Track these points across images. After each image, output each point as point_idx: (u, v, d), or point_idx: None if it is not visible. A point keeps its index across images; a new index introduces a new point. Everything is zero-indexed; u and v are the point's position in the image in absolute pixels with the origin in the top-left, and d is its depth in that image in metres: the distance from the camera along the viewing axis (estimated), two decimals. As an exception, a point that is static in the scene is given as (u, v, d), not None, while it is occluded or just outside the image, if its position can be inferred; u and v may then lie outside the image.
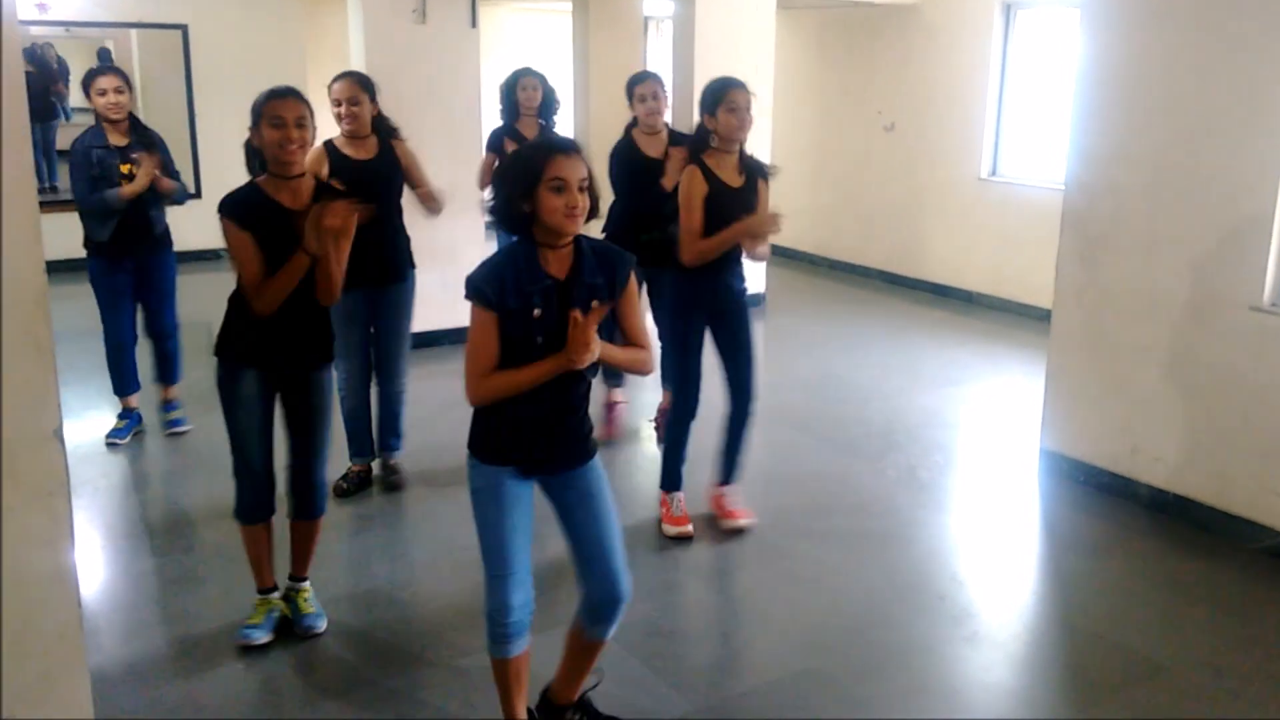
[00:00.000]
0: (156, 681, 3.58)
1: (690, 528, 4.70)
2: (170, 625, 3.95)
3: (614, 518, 3.04)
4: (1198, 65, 4.69)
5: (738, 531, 4.76)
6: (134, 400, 5.91)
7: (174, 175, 5.62)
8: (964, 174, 9.35)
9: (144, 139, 5.44)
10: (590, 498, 3.01)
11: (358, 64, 7.23)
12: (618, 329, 3.02)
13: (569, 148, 2.82)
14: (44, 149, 11.10)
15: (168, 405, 6.03)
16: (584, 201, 2.79)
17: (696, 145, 4.51)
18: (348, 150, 4.85)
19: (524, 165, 2.82)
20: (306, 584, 3.96)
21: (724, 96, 4.42)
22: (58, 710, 2.52)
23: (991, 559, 4.72)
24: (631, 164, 5.53)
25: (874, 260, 10.36)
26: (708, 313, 4.61)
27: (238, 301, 3.63)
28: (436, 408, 6.25)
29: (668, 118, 5.80)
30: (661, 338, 5.00)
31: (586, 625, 3.10)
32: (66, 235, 9.93)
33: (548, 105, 6.34)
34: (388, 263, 4.95)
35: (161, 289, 5.85)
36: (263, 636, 3.78)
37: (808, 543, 4.72)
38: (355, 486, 5.10)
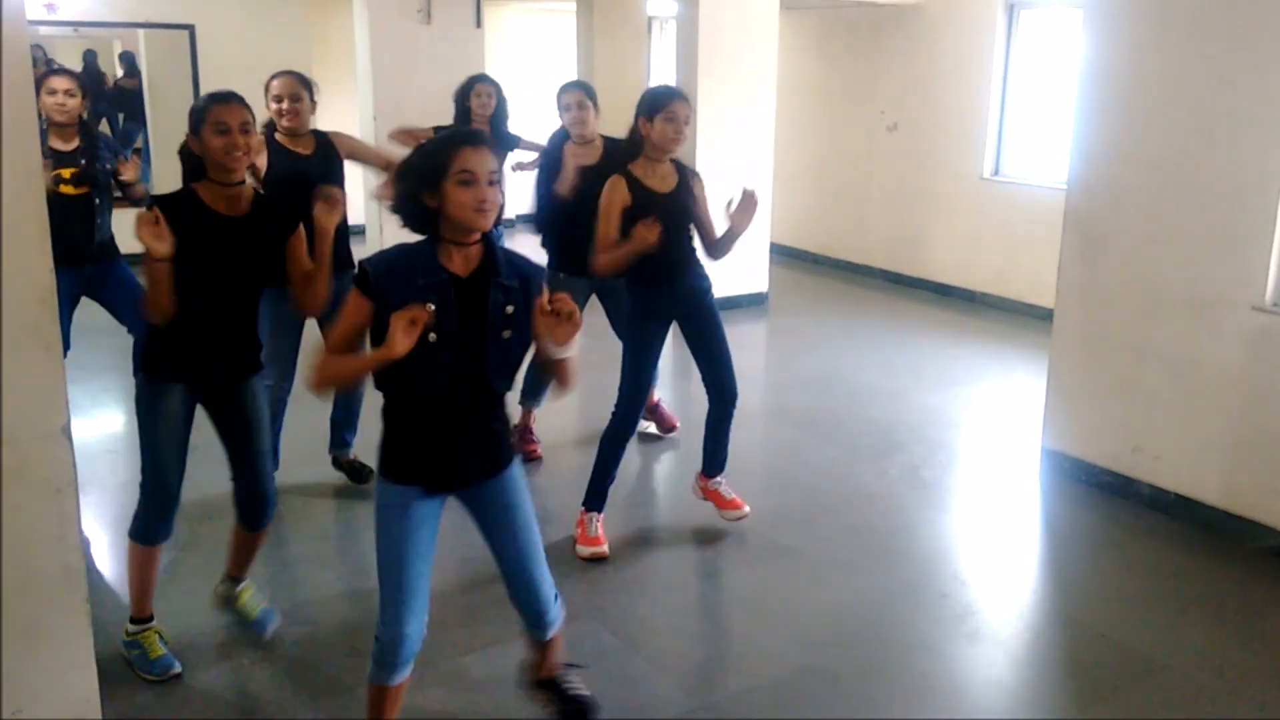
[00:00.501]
0: (163, 678, 3.60)
1: (605, 548, 4.51)
2: (178, 621, 3.94)
3: (533, 530, 2.97)
4: (1199, 65, 4.70)
5: (740, 520, 4.76)
6: None
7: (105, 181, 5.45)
8: (967, 173, 9.36)
9: (91, 146, 5.28)
10: (509, 512, 2.93)
11: (363, 64, 7.28)
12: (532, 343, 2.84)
13: (477, 139, 2.68)
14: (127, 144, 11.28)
15: None
16: (494, 196, 2.64)
17: (626, 153, 4.38)
18: (286, 143, 4.77)
19: (429, 158, 2.67)
20: (247, 582, 3.92)
21: (665, 105, 4.24)
22: (66, 706, 2.55)
23: (993, 557, 4.74)
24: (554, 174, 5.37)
25: (877, 260, 10.38)
26: (673, 319, 4.54)
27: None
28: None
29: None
30: (625, 349, 4.71)
31: (529, 631, 3.13)
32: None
33: (500, 113, 6.18)
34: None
35: (123, 294, 5.65)
36: (177, 665, 3.65)
37: (810, 541, 4.73)
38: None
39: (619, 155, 4.47)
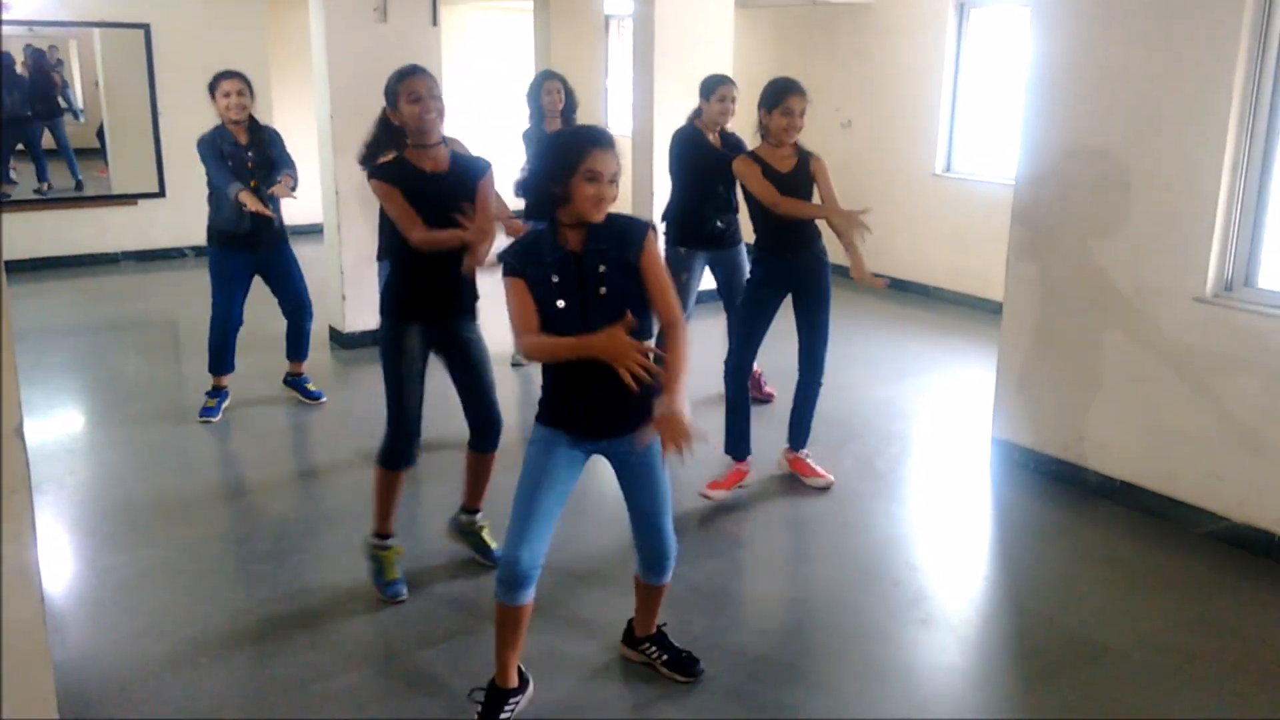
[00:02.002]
0: (121, 676, 3.61)
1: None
2: (135, 620, 3.97)
3: (667, 491, 3.33)
4: (1144, 63, 4.79)
5: (825, 489, 5.17)
6: (225, 380, 6.19)
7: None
8: (919, 170, 9.47)
9: (258, 142, 5.82)
10: (646, 470, 3.25)
11: (319, 61, 7.25)
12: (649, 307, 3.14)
13: (606, 141, 3.01)
14: (60, 147, 11.34)
15: (299, 378, 6.42)
16: (613, 193, 3.01)
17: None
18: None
19: (562, 152, 3.00)
20: (480, 515, 4.36)
21: (781, 100, 4.92)
22: (20, 705, 2.53)
23: (945, 545, 4.82)
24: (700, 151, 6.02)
25: (831, 255, 10.41)
26: (789, 290, 5.12)
27: (399, 264, 4.00)
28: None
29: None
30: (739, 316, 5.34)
31: (644, 575, 3.51)
32: (45, 235, 9.94)
33: (569, 106, 6.72)
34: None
35: (288, 274, 6.19)
36: (405, 590, 4.12)
37: (765, 531, 4.81)
38: None
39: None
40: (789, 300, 5.13)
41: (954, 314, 8.99)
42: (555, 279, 3.04)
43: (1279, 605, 4.23)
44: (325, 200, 7.53)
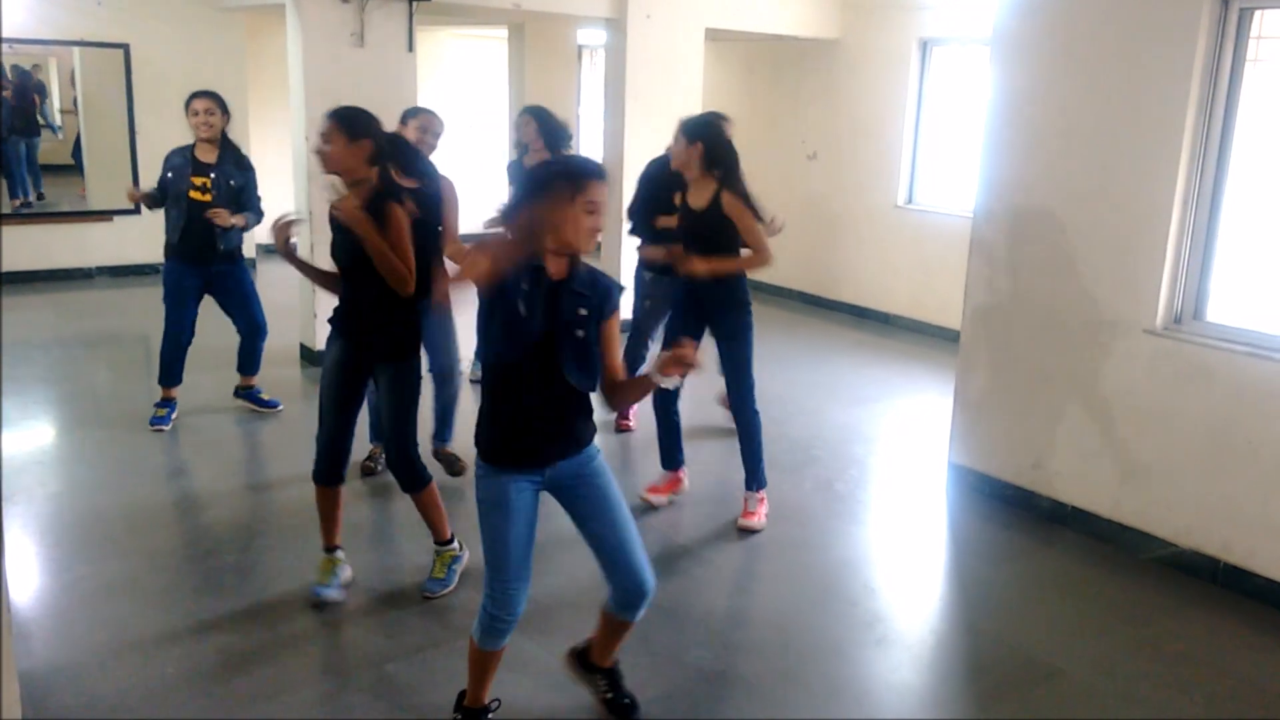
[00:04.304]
0: (88, 684, 3.62)
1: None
2: (101, 630, 3.99)
3: (627, 515, 3.20)
4: (1099, 102, 4.93)
5: (746, 532, 5.10)
6: (174, 391, 6.29)
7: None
8: (882, 201, 9.64)
9: (224, 163, 5.95)
10: (602, 500, 3.16)
11: (296, 85, 7.32)
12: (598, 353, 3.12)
13: (604, 173, 3.02)
14: (28, 163, 11.38)
15: (250, 390, 6.53)
16: (602, 224, 3.01)
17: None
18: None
19: (565, 182, 2.96)
20: (441, 548, 4.42)
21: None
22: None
23: (901, 567, 4.92)
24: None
25: (796, 283, 10.60)
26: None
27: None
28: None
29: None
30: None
31: (616, 611, 3.30)
32: (21, 249, 9.91)
33: (559, 139, 6.45)
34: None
35: (236, 297, 6.28)
36: (332, 593, 4.22)
37: (727, 551, 4.87)
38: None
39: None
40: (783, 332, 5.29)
41: (914, 342, 9.14)
42: (525, 286, 2.95)
43: (1224, 629, 4.36)
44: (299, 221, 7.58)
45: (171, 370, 6.23)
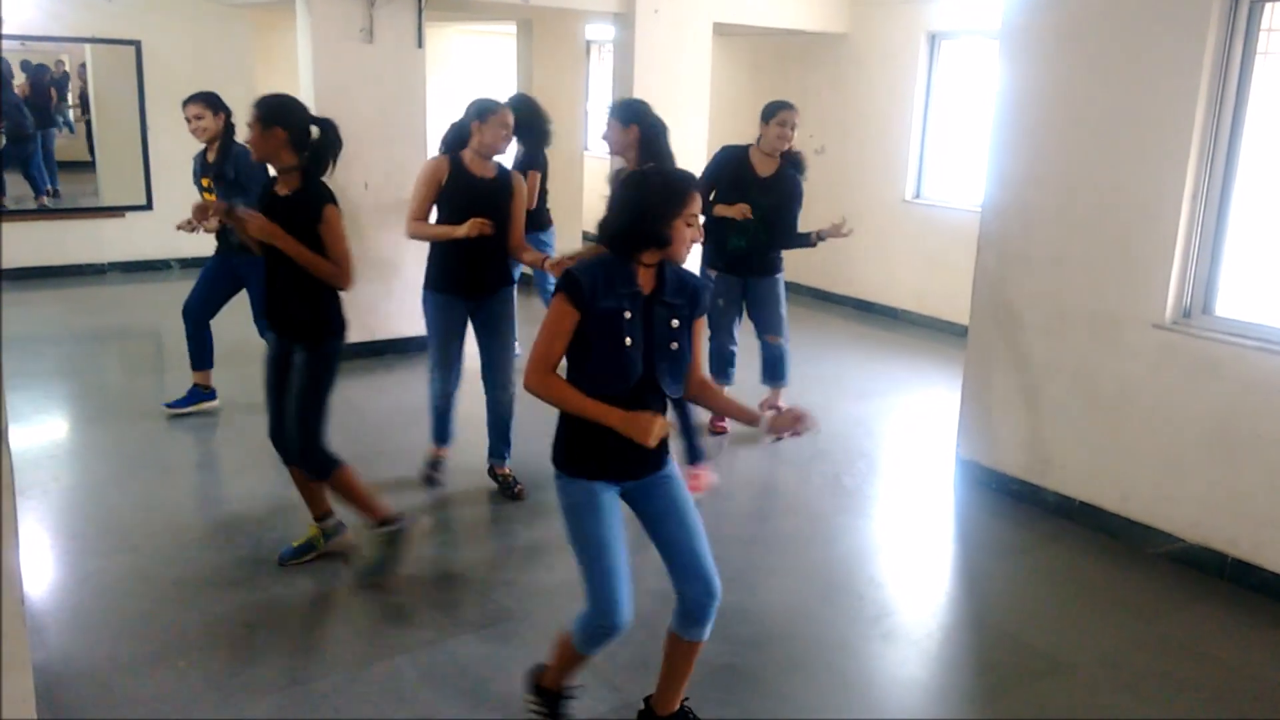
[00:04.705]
0: (101, 678, 3.65)
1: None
2: (114, 623, 4.02)
3: (698, 522, 3.15)
4: (1108, 96, 4.93)
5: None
6: (203, 378, 6.42)
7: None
8: (889, 196, 9.63)
9: (223, 160, 5.99)
10: (675, 505, 3.12)
11: (305, 81, 7.35)
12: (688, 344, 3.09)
13: (699, 184, 3.04)
14: (44, 157, 11.41)
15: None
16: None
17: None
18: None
19: (673, 195, 2.92)
20: (378, 528, 4.37)
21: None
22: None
23: (908, 561, 4.93)
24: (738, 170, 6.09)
25: (804, 277, 10.58)
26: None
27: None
28: (381, 415, 6.39)
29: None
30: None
31: (682, 629, 3.19)
32: (34, 245, 9.97)
33: (531, 129, 6.63)
34: None
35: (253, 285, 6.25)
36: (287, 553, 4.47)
37: (735, 544, 4.88)
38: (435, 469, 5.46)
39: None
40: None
41: (921, 336, 9.14)
42: (629, 315, 2.93)
43: (1231, 624, 4.36)
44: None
45: (198, 353, 6.33)
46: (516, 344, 5.57)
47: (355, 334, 7.54)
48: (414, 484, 5.38)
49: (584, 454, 3.03)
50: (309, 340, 4.23)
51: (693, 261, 3.56)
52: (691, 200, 2.92)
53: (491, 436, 5.36)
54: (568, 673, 3.30)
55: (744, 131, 11.32)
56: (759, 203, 5.88)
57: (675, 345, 3.00)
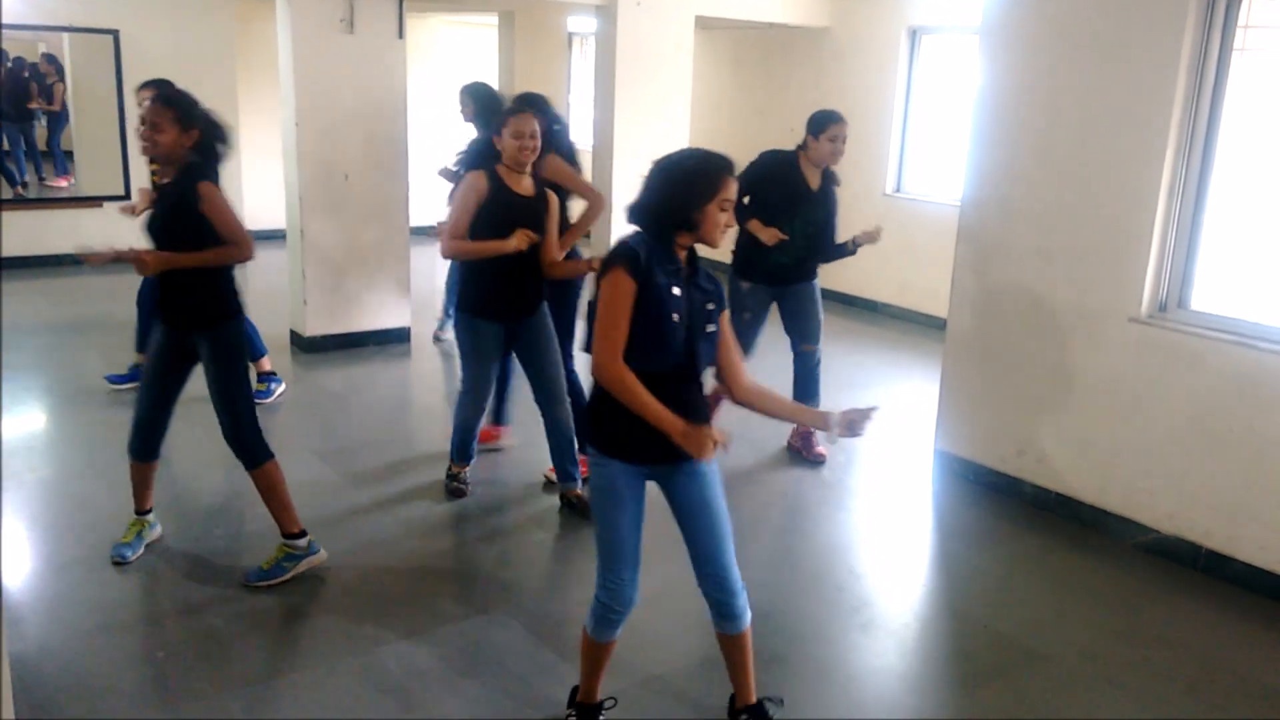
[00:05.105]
0: (78, 666, 3.65)
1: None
2: (92, 614, 4.01)
3: (722, 519, 3.14)
4: (1085, 91, 4.96)
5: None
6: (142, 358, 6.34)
7: None
8: (870, 190, 9.64)
9: None
10: (700, 503, 3.10)
11: (285, 72, 7.32)
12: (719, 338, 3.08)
13: (735, 169, 2.98)
14: (28, 148, 11.47)
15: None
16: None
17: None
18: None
19: (707, 179, 2.90)
20: (285, 540, 4.31)
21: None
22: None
23: (887, 552, 4.96)
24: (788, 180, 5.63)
25: (786, 272, 10.61)
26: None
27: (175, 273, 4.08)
28: (364, 406, 6.39)
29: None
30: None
31: (716, 624, 3.24)
32: (11, 235, 9.88)
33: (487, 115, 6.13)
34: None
35: None
36: (129, 553, 4.38)
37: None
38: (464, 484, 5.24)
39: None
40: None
41: (901, 329, 9.20)
42: (676, 291, 2.92)
43: (1205, 615, 4.41)
44: (289, 206, 7.59)
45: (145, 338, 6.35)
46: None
47: (336, 326, 7.62)
48: (390, 475, 5.38)
49: (616, 434, 3.02)
50: (209, 323, 4.14)
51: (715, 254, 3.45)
52: (726, 185, 2.90)
53: (556, 458, 5.10)
54: (594, 672, 3.30)
55: (725, 125, 11.38)
56: (811, 217, 5.61)
57: (711, 328, 3.01)
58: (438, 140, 11.34)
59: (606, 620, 3.15)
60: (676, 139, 8.99)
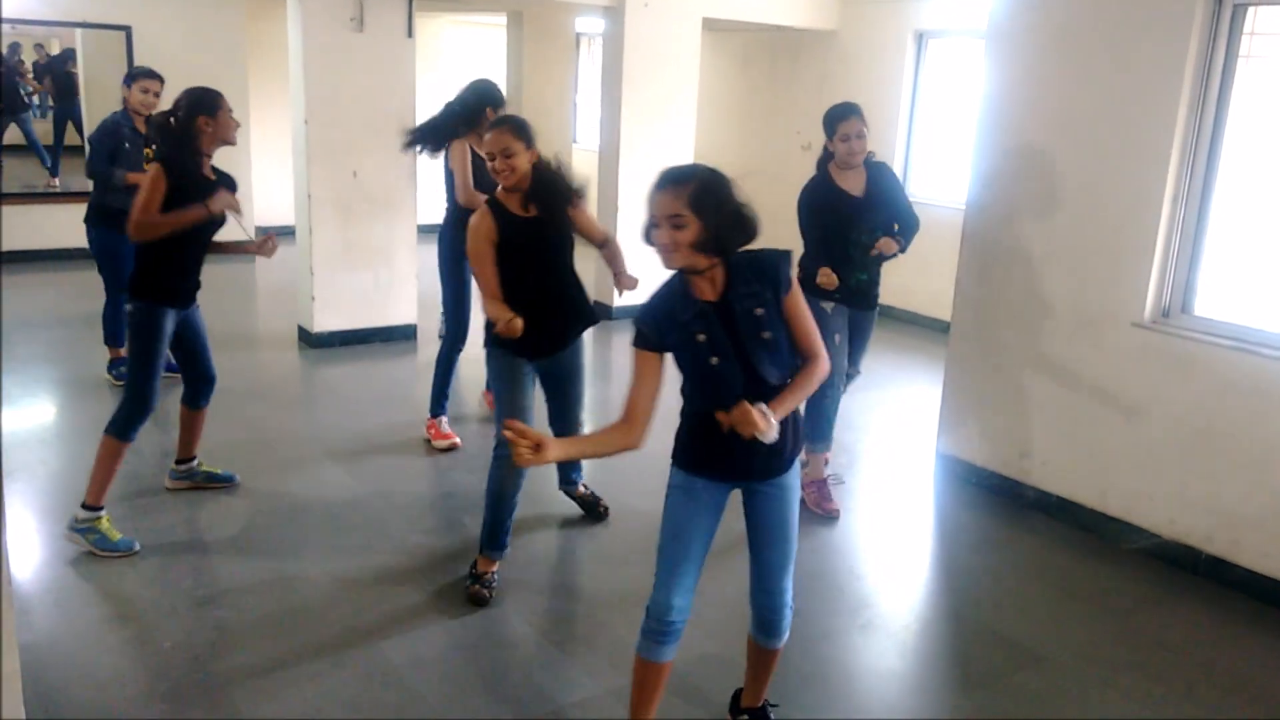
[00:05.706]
0: (86, 657, 3.68)
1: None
2: (100, 606, 4.05)
3: (792, 541, 3.10)
4: (1091, 95, 4.98)
5: None
6: (122, 351, 6.45)
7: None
8: (876, 192, 9.64)
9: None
10: (772, 520, 3.07)
11: (295, 70, 7.36)
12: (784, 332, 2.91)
13: (660, 184, 2.80)
14: (28, 141, 11.51)
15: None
16: (683, 237, 2.72)
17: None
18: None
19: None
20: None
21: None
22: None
23: (888, 554, 4.97)
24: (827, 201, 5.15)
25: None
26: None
27: (157, 249, 4.41)
28: (370, 402, 6.42)
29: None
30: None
31: (755, 634, 3.24)
32: (19, 229, 9.94)
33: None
34: None
35: None
36: (136, 545, 4.48)
37: (717, 535, 4.91)
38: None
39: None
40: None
41: (904, 332, 9.21)
42: (702, 337, 2.81)
43: (1206, 620, 4.42)
44: (298, 203, 7.64)
45: (117, 331, 6.57)
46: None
47: (342, 322, 7.65)
48: (396, 471, 5.41)
49: (695, 448, 2.99)
50: (131, 294, 4.50)
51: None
52: (650, 200, 2.82)
53: (560, 466, 5.06)
54: (640, 703, 3.14)
55: (731, 127, 11.41)
56: (869, 224, 5.11)
57: (768, 334, 2.85)
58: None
59: (647, 635, 3.06)
60: (683, 140, 9.01)
